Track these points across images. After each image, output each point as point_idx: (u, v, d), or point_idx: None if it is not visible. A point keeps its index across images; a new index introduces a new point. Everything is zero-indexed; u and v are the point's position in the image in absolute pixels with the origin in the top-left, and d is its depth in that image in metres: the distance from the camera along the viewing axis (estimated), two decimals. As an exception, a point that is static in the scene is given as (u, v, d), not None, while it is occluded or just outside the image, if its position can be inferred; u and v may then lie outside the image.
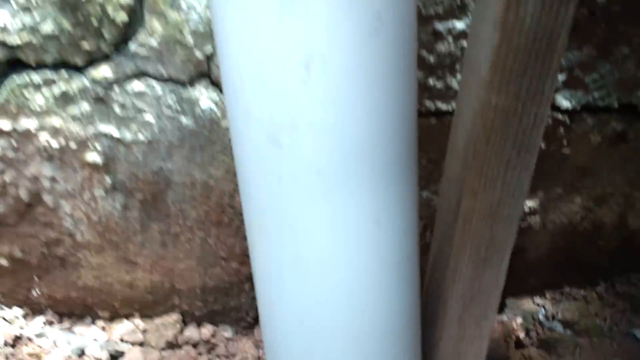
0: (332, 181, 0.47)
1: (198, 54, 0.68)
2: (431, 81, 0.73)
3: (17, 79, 0.68)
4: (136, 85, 0.69)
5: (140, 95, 0.70)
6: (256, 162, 0.48)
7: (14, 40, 0.65)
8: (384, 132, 0.46)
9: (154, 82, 0.70)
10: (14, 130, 0.71)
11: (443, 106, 0.75)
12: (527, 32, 0.50)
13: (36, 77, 0.67)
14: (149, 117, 0.72)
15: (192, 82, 0.70)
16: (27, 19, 0.64)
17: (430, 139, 0.78)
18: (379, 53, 0.43)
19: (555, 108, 0.77)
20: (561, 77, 0.74)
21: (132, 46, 0.67)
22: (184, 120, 0.72)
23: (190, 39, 0.67)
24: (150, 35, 0.66)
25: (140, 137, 0.73)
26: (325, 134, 0.45)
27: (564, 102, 0.76)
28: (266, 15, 0.41)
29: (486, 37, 0.53)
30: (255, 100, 0.45)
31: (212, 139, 0.75)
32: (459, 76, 0.73)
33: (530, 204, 0.87)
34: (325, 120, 0.44)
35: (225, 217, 0.83)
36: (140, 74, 0.69)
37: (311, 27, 0.41)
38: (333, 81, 0.43)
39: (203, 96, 0.71)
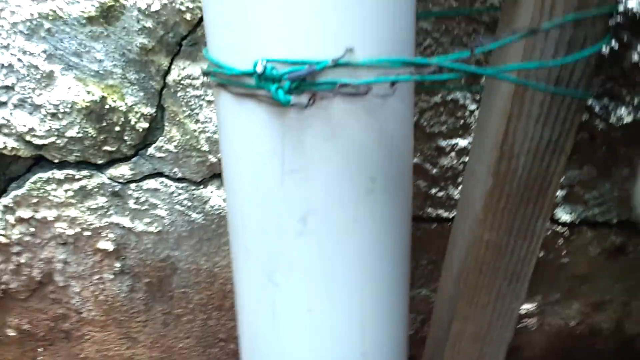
0: (322, 319, 0.49)
1: (212, 158, 0.72)
2: (433, 191, 0.75)
3: (40, 173, 0.72)
4: (151, 183, 0.73)
5: (154, 191, 0.74)
6: (252, 293, 0.51)
7: (40, 141, 0.69)
8: (376, 276, 0.49)
9: (168, 181, 0.73)
10: (33, 217, 0.74)
11: (444, 213, 0.78)
12: (519, 181, 0.53)
13: (58, 173, 0.72)
14: (161, 212, 0.75)
15: (204, 182, 0.74)
16: (54, 124, 0.68)
17: (430, 241, 0.80)
18: (372, 209, 0.46)
19: (555, 221, 0.79)
20: (561, 193, 0.76)
21: (151, 149, 0.71)
22: (194, 214, 0.76)
23: (206, 146, 0.71)
24: (169, 142, 0.70)
25: (151, 228, 0.76)
26: (319, 279, 0.47)
27: (564, 216, 0.78)
28: (269, 175, 0.44)
29: (480, 178, 0.56)
30: (254, 243, 0.48)
31: (219, 232, 0.78)
32: (460, 187, 0.75)
33: (527, 306, 0.88)
34: (318, 267, 0.47)
35: (227, 302, 0.86)
36: (156, 174, 0.73)
37: (309, 189, 0.44)
38: (327, 234, 0.45)
39: (214, 195, 0.74)
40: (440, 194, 0.76)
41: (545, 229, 0.57)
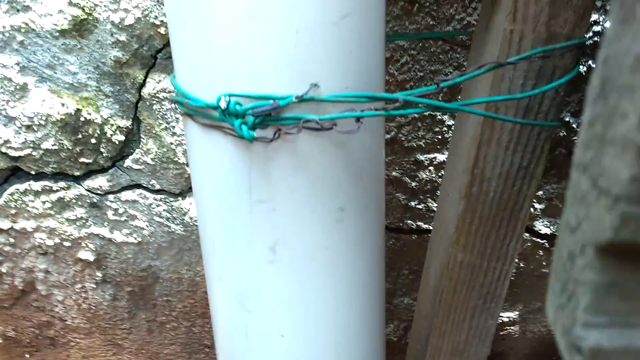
0: (295, 343, 0.49)
1: (189, 169, 0.71)
2: (412, 203, 0.75)
3: (17, 185, 0.72)
4: (130, 195, 0.73)
5: (133, 203, 0.74)
6: (226, 316, 0.51)
7: (16, 153, 0.69)
8: (348, 301, 0.49)
9: (146, 193, 0.73)
10: (12, 228, 0.74)
11: (423, 225, 0.78)
12: (491, 204, 0.53)
13: (35, 184, 0.71)
14: (140, 223, 0.75)
15: (182, 194, 0.74)
16: (29, 136, 0.68)
17: (411, 252, 0.81)
18: (342, 238, 0.46)
19: (535, 233, 0.79)
20: (540, 206, 0.76)
21: (128, 161, 0.71)
22: (173, 226, 0.76)
23: (183, 158, 0.70)
24: (146, 154, 0.70)
25: (131, 239, 0.76)
26: (291, 305, 0.47)
27: (543, 229, 0.78)
28: (238, 206, 0.44)
29: (453, 200, 0.56)
30: (226, 270, 0.48)
31: (199, 243, 0.78)
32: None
33: (510, 314, 0.89)
34: (289, 294, 0.47)
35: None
36: (135, 185, 0.73)
37: (277, 219, 0.44)
38: (297, 262, 0.46)
39: (192, 206, 0.74)
40: (420, 206, 0.76)
41: (518, 250, 0.57)
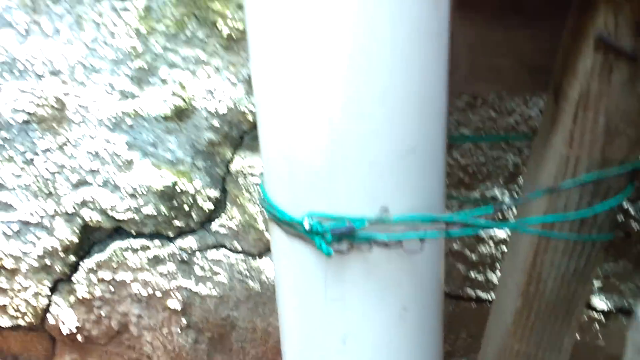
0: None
1: (268, 236, 0.79)
2: (472, 274, 0.80)
3: (120, 242, 0.82)
4: (215, 254, 0.82)
5: (217, 261, 0.82)
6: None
7: (120, 216, 0.79)
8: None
9: (229, 253, 0.82)
10: (113, 279, 0.85)
11: (482, 295, 0.82)
12: (547, 301, 0.57)
13: (135, 242, 0.82)
14: (222, 278, 0.84)
15: (260, 255, 0.82)
16: (132, 203, 0.78)
17: (470, 318, 0.85)
18: (404, 333, 0.52)
19: (592, 308, 0.81)
20: (597, 283, 0.79)
21: (215, 226, 0.80)
22: (251, 283, 0.84)
23: (262, 225, 0.78)
24: (230, 220, 0.79)
25: (214, 292, 0.85)
26: (356, 387, 0.54)
27: (600, 304, 0.80)
28: (314, 301, 0.51)
29: (511, 294, 0.60)
30: (301, 351, 0.55)
31: (273, 298, 0.86)
32: (498, 273, 0.79)
33: (566, 381, 0.90)
34: (356, 379, 0.53)
35: (280, 357, 0.93)
36: (219, 246, 0.81)
37: (348, 315, 0.50)
38: (364, 353, 0.52)
39: (269, 267, 0.82)
40: (479, 277, 0.80)
41: (572, 342, 0.61)
